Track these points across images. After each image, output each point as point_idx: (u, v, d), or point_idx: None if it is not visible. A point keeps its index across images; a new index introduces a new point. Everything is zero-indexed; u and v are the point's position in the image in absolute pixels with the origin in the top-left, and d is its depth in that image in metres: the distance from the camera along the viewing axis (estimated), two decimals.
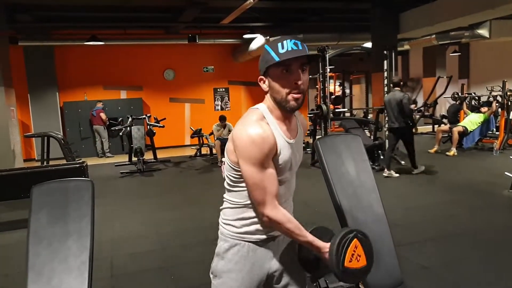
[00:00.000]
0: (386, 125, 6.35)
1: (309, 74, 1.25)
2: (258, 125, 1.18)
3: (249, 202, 1.26)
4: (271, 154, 1.19)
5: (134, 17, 8.43)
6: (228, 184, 1.30)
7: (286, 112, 1.23)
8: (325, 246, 1.24)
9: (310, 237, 1.24)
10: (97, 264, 2.12)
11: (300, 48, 1.16)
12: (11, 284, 2.88)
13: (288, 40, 1.16)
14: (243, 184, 1.24)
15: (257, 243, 1.29)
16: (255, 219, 1.27)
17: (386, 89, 7.03)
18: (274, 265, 1.32)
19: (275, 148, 1.20)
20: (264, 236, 1.29)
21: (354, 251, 1.25)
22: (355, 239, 1.26)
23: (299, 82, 1.17)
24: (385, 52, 6.96)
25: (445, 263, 2.85)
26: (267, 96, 1.24)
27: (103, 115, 9.44)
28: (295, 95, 1.18)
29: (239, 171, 1.22)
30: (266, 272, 1.32)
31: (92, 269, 1.37)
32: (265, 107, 1.24)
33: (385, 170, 5.76)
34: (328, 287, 2.28)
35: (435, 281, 2.61)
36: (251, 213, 1.27)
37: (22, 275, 1.39)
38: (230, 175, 1.27)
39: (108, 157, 9.51)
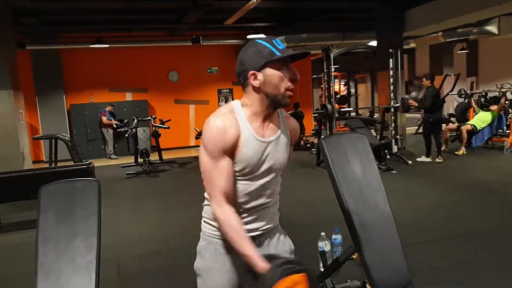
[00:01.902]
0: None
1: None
2: (222, 118, 1.17)
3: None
4: (225, 148, 1.16)
5: (138, 19, 8.49)
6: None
7: (271, 109, 1.20)
8: (263, 267, 1.09)
9: (249, 251, 1.12)
10: (104, 264, 2.13)
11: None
12: (21, 283, 2.91)
13: (277, 39, 1.19)
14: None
15: None
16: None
17: (392, 87, 6.98)
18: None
19: (235, 143, 1.16)
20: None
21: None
22: (304, 274, 1.06)
23: (296, 79, 1.18)
24: (390, 50, 6.91)
25: (454, 263, 2.82)
26: (247, 93, 1.21)
27: (103, 118, 9.50)
28: (291, 92, 1.18)
29: None
30: (247, 272, 1.26)
31: (99, 268, 1.38)
32: (238, 103, 1.23)
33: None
34: (334, 287, 2.27)
35: (443, 281, 2.58)
36: None
37: (31, 275, 1.40)
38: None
39: (112, 159, 9.57)
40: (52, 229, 1.40)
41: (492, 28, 8.67)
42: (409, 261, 2.16)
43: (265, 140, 1.21)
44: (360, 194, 2.10)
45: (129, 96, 10.78)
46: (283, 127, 1.28)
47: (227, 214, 1.16)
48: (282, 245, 1.35)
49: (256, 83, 1.17)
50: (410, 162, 6.45)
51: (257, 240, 1.28)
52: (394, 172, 5.92)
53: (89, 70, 10.27)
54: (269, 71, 1.16)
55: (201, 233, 1.33)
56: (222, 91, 11.59)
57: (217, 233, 1.27)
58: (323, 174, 2.35)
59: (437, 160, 6.45)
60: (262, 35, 9.12)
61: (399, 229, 2.20)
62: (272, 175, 1.26)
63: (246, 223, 1.25)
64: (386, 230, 2.13)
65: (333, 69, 6.71)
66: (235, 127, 1.17)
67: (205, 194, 1.30)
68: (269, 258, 1.12)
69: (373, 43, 8.28)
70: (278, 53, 1.14)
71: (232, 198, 1.21)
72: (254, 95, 1.19)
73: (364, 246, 2.02)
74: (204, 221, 1.32)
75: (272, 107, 1.20)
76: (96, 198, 1.49)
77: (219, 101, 11.60)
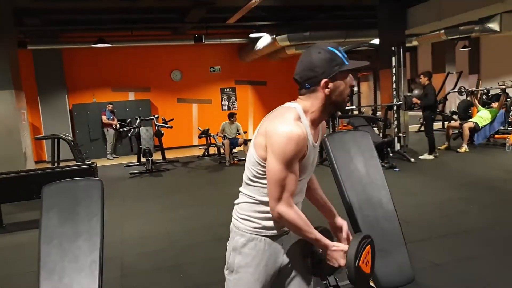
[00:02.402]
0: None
1: None
2: (297, 125, 1.20)
3: (267, 199, 1.26)
4: (300, 155, 1.22)
5: (141, 18, 8.48)
6: (249, 179, 1.30)
7: (329, 115, 1.34)
8: (333, 244, 1.29)
9: (318, 235, 1.27)
10: (107, 263, 2.14)
11: None
12: (25, 283, 2.92)
13: (339, 47, 1.26)
14: (258, 181, 1.27)
15: (273, 237, 1.31)
16: (270, 215, 1.28)
17: (394, 85, 6.95)
18: (286, 258, 1.35)
19: (306, 150, 1.24)
20: (279, 231, 1.32)
21: (366, 256, 1.31)
22: (369, 246, 1.33)
23: (354, 85, 1.31)
24: (393, 48, 6.88)
25: (457, 260, 2.80)
26: (311, 99, 1.24)
27: (103, 117, 9.51)
28: (348, 97, 1.30)
29: (265, 167, 1.23)
30: (279, 266, 1.34)
31: (102, 267, 1.38)
32: (300, 108, 1.25)
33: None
34: (338, 285, 2.27)
35: (447, 278, 2.57)
36: (267, 208, 1.27)
37: (34, 274, 1.40)
38: (254, 169, 1.27)
39: (108, 159, 9.58)
40: (55, 229, 1.40)
41: (494, 26, 8.60)
42: (412, 258, 2.15)
43: (316, 145, 1.32)
44: (363, 192, 2.10)
45: (131, 96, 10.79)
46: (320, 130, 1.37)
47: (297, 211, 1.26)
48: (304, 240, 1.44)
49: (327, 91, 1.23)
50: (412, 160, 6.43)
51: (289, 233, 1.35)
52: (397, 170, 5.91)
53: (92, 69, 10.29)
54: (339, 79, 1.23)
55: (235, 230, 1.33)
56: (225, 90, 11.59)
57: (259, 230, 1.30)
58: (326, 171, 2.34)
59: (431, 156, 6.61)
60: (267, 34, 9.12)
61: (402, 226, 2.19)
62: (310, 175, 1.39)
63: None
64: (389, 227, 2.12)
65: None
66: (306, 136, 1.23)
67: (244, 190, 1.32)
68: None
69: (376, 41, 8.25)
70: (347, 62, 1.22)
71: None
72: (319, 101, 1.24)
73: None
74: (243, 218, 1.32)
75: (331, 113, 1.34)
76: (99, 197, 1.49)
77: (222, 100, 11.60)
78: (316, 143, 1.31)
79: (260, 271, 1.30)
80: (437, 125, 10.82)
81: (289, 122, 1.19)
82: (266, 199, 1.26)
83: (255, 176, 1.27)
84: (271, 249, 1.31)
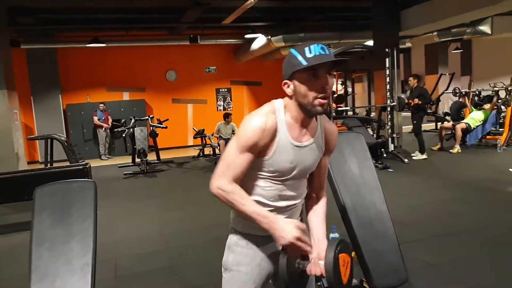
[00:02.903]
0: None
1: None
2: (265, 116, 1.19)
3: (252, 198, 1.26)
4: (255, 147, 1.19)
5: (136, 18, 8.45)
6: None
7: (307, 116, 1.22)
8: (298, 236, 1.15)
9: (258, 209, 1.19)
10: (101, 265, 2.12)
11: (327, 52, 1.16)
12: (16, 286, 2.89)
13: (316, 45, 1.16)
14: (244, 180, 1.25)
15: (265, 238, 1.30)
16: None
17: (388, 87, 7.00)
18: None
19: (267, 144, 1.20)
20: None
21: (347, 261, 1.22)
22: (345, 254, 1.23)
23: (327, 87, 1.17)
24: (386, 50, 6.93)
25: (450, 260, 2.83)
26: (288, 98, 1.23)
27: (94, 118, 9.45)
28: (322, 100, 1.18)
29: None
30: (276, 268, 1.32)
31: (95, 270, 1.37)
32: (281, 103, 1.24)
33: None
34: None
35: (440, 279, 2.59)
36: None
37: (26, 278, 1.39)
38: None
39: (102, 160, 9.53)
40: (47, 231, 1.39)
41: (485, 28, 8.72)
42: (405, 259, 2.17)
43: (300, 145, 1.24)
44: (357, 193, 2.11)
45: (126, 96, 10.74)
46: (319, 133, 1.30)
47: (236, 187, 1.20)
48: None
49: (288, 91, 1.21)
50: (406, 160, 6.48)
51: None
52: (390, 170, 5.94)
53: (86, 69, 10.22)
54: (298, 80, 1.18)
55: (230, 228, 1.35)
56: (220, 90, 11.57)
57: (249, 229, 1.30)
58: None
59: (424, 156, 6.68)
60: (262, 35, 9.13)
61: (396, 227, 2.20)
62: (298, 180, 1.30)
63: None
64: (383, 228, 2.13)
65: None
66: (273, 130, 1.20)
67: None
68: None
69: (370, 42, 8.30)
70: (304, 62, 1.15)
71: (266, 199, 1.26)
72: (291, 101, 1.22)
73: (361, 244, 2.03)
74: (235, 216, 1.34)
75: (306, 114, 1.22)
76: (93, 199, 1.48)
77: (217, 101, 11.59)
78: (303, 142, 1.25)
79: (253, 270, 1.29)
80: (430, 126, 10.93)
81: (259, 113, 1.21)
82: (254, 199, 1.27)
83: None
84: (264, 250, 1.30)
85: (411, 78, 6.93)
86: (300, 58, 1.15)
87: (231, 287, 1.32)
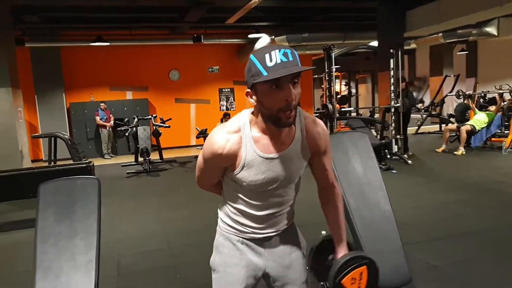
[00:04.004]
0: None
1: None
2: (224, 140, 1.15)
3: (232, 204, 1.28)
4: (218, 164, 1.21)
5: (140, 17, 8.47)
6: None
7: (277, 126, 1.11)
8: None
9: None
10: (104, 263, 2.12)
11: (291, 59, 1.03)
12: (20, 282, 2.90)
13: (277, 50, 1.03)
14: (225, 184, 1.28)
15: (252, 240, 1.29)
16: (241, 220, 1.28)
17: (392, 88, 6.98)
18: (271, 264, 1.30)
19: (230, 162, 1.17)
20: (258, 236, 1.28)
21: (357, 276, 1.19)
22: (365, 268, 1.22)
23: (291, 100, 1.04)
24: (391, 50, 6.90)
25: (454, 262, 2.81)
26: (255, 107, 1.14)
27: (97, 118, 9.48)
28: (287, 114, 1.06)
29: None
30: (262, 271, 1.30)
31: (99, 267, 1.37)
32: (247, 118, 1.16)
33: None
34: None
35: (443, 280, 2.57)
36: (236, 212, 1.28)
37: (31, 274, 1.39)
38: None
39: (105, 158, 9.56)
40: (52, 227, 1.39)
41: (492, 30, 8.67)
42: (409, 260, 2.16)
43: (273, 156, 1.16)
44: (361, 193, 2.10)
45: (129, 95, 10.76)
46: (298, 138, 1.19)
47: (208, 188, 1.37)
48: (293, 240, 1.35)
49: (251, 102, 1.12)
50: (410, 162, 6.45)
51: (273, 239, 1.30)
52: (394, 171, 5.92)
53: (90, 68, 10.25)
54: (259, 91, 1.07)
55: (217, 228, 1.35)
56: (223, 90, 11.58)
57: (236, 230, 1.29)
58: None
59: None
60: (265, 35, 9.12)
61: (400, 228, 2.19)
62: (282, 189, 1.23)
63: (259, 228, 1.27)
64: (386, 229, 2.12)
65: (334, 69, 6.70)
66: (234, 150, 1.15)
67: (223, 193, 1.33)
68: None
69: (374, 43, 8.27)
70: (264, 72, 1.03)
71: (249, 208, 1.25)
72: (257, 112, 1.14)
73: (364, 244, 2.02)
74: (221, 218, 1.34)
75: (274, 125, 1.11)
76: (96, 196, 1.48)
77: (220, 100, 11.59)
78: (272, 154, 1.16)
79: (240, 272, 1.27)
80: (434, 127, 10.89)
81: (222, 132, 1.16)
82: (229, 200, 1.28)
83: (222, 177, 1.30)
84: (251, 252, 1.28)
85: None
86: (260, 67, 1.03)
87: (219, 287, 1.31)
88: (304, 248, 1.38)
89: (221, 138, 1.15)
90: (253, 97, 1.11)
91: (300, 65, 1.05)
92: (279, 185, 1.21)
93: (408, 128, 8.03)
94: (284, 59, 1.03)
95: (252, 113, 1.17)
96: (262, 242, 1.29)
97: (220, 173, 1.25)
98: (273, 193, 1.23)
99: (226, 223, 1.31)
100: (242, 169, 1.17)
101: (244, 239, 1.29)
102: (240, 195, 1.24)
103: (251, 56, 1.08)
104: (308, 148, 1.22)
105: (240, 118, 1.18)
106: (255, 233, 1.28)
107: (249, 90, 1.11)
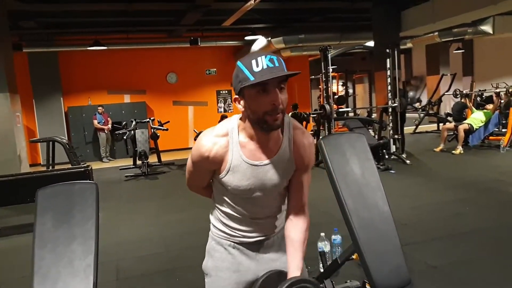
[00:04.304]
0: None
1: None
2: (211, 144, 1.16)
3: (221, 208, 1.29)
4: (205, 167, 1.22)
5: (136, 21, 8.47)
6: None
7: (263, 131, 1.13)
8: None
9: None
10: (103, 267, 2.12)
11: (277, 64, 1.06)
12: None
13: (263, 57, 1.07)
14: (214, 188, 1.29)
15: (243, 244, 1.29)
16: (230, 225, 1.28)
17: (389, 87, 7.00)
18: (263, 268, 1.29)
19: (217, 166, 1.19)
20: (248, 240, 1.29)
21: None
22: None
23: (277, 104, 1.07)
24: (387, 50, 6.92)
25: (453, 262, 2.82)
26: (243, 112, 1.17)
27: (94, 122, 9.47)
28: (274, 117, 1.08)
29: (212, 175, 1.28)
30: (255, 275, 1.30)
31: (97, 272, 1.37)
32: (235, 123, 1.18)
33: None
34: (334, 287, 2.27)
35: (443, 281, 2.58)
36: (225, 217, 1.29)
37: (28, 279, 1.39)
38: None
39: (104, 162, 9.55)
40: (49, 233, 1.39)
41: (487, 28, 8.72)
42: (408, 261, 2.16)
43: (259, 163, 1.18)
44: (359, 194, 2.10)
45: (127, 98, 10.76)
46: (286, 146, 1.20)
47: (198, 191, 1.41)
48: (283, 246, 1.33)
49: (239, 107, 1.14)
50: (408, 162, 6.46)
51: (264, 243, 1.31)
52: (392, 171, 5.93)
53: (87, 72, 10.25)
54: (247, 96, 1.10)
55: (210, 233, 1.36)
56: (221, 92, 11.59)
57: (226, 235, 1.30)
58: (322, 174, 2.36)
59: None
60: (262, 36, 9.14)
61: (398, 228, 2.19)
62: (267, 197, 1.23)
63: (248, 232, 1.28)
64: (385, 229, 2.12)
65: (331, 70, 6.71)
66: (221, 154, 1.16)
67: (213, 197, 1.34)
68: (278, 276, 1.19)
69: (370, 43, 8.30)
70: (251, 77, 1.06)
71: (235, 212, 1.26)
72: (245, 118, 1.16)
73: (363, 246, 2.02)
74: (213, 222, 1.35)
75: (261, 131, 1.14)
76: (94, 200, 1.48)
77: (218, 102, 11.60)
78: (259, 161, 1.17)
79: (231, 276, 1.28)
80: (432, 127, 10.92)
81: (210, 135, 1.18)
82: (219, 204, 1.29)
83: (212, 180, 1.31)
84: (243, 256, 1.28)
85: None
86: (247, 72, 1.07)
87: None
88: None
89: (209, 141, 1.17)
90: (241, 102, 1.13)
91: (286, 70, 1.08)
92: (264, 193, 1.21)
93: (406, 128, 8.06)
94: (270, 65, 1.06)
95: (241, 118, 1.19)
96: (253, 246, 1.30)
97: (209, 176, 1.26)
98: (258, 201, 1.23)
99: (217, 227, 1.32)
100: (227, 173, 1.18)
101: (235, 243, 1.29)
102: (227, 199, 1.26)
103: (238, 63, 1.11)
104: (293, 161, 1.22)
105: (229, 122, 1.20)
106: (245, 237, 1.28)
107: (237, 96, 1.14)
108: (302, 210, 1.27)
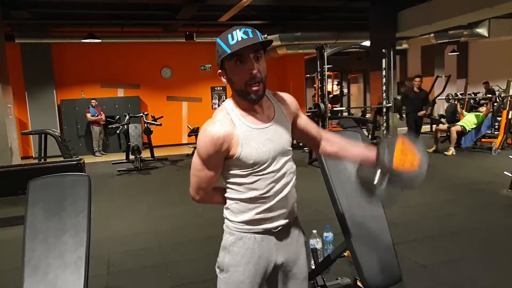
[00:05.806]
0: None
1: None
2: (216, 125, 1.19)
3: (242, 197, 1.26)
4: (217, 155, 1.20)
5: (132, 14, 8.40)
6: (224, 180, 1.33)
7: (252, 102, 1.20)
8: None
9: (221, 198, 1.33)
10: (94, 261, 2.11)
11: (251, 36, 1.12)
12: (7, 280, 2.86)
13: (238, 30, 1.13)
14: (230, 183, 1.28)
15: (262, 233, 1.29)
16: (254, 212, 1.27)
17: (384, 88, 7.04)
18: (280, 256, 1.32)
19: (229, 147, 1.19)
20: (268, 226, 1.28)
21: (403, 154, 1.22)
22: (400, 141, 1.24)
23: (254, 72, 1.14)
24: (383, 50, 6.96)
25: (443, 262, 2.85)
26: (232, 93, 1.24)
27: (88, 115, 9.39)
28: (254, 87, 1.15)
29: (223, 170, 1.27)
30: (272, 263, 1.31)
31: (88, 264, 1.36)
32: (230, 102, 1.25)
33: None
34: (325, 285, 2.28)
35: (433, 279, 2.60)
36: (248, 206, 1.27)
37: (19, 271, 1.37)
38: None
39: (96, 156, 9.49)
40: (41, 224, 1.37)
41: (483, 31, 8.79)
42: (399, 259, 2.18)
43: (265, 126, 1.24)
44: (353, 192, 2.11)
45: (121, 92, 10.67)
46: (277, 108, 1.30)
47: (208, 195, 1.33)
48: (300, 238, 1.40)
49: (223, 81, 1.21)
50: None
51: (280, 230, 1.31)
52: None
53: (81, 65, 10.14)
54: (227, 69, 1.18)
55: (225, 228, 1.33)
56: (216, 88, 11.55)
57: (249, 226, 1.28)
58: (315, 172, 2.37)
59: None
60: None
61: (390, 227, 2.21)
62: (283, 159, 1.27)
63: (270, 218, 1.27)
64: (377, 228, 2.14)
65: (326, 69, 6.73)
66: (230, 130, 1.18)
67: (227, 194, 1.31)
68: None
69: (366, 43, 8.33)
70: (227, 50, 1.12)
71: (260, 191, 1.24)
72: (233, 93, 1.23)
73: (355, 243, 2.03)
74: (229, 217, 1.32)
75: (248, 102, 1.19)
76: (86, 193, 1.46)
77: (212, 99, 11.56)
78: (267, 122, 1.24)
79: (250, 270, 1.28)
80: (425, 128, 11.00)
81: (210, 122, 1.21)
82: (241, 197, 1.26)
83: (224, 177, 1.30)
84: (261, 247, 1.28)
85: None
86: (224, 46, 1.13)
87: (228, 287, 1.30)
88: (303, 244, 1.43)
89: (214, 126, 1.19)
90: (224, 76, 1.20)
91: (261, 40, 1.13)
92: (282, 154, 1.26)
93: (399, 128, 8.12)
94: (245, 37, 1.12)
95: (232, 97, 1.25)
96: (273, 234, 1.30)
97: (221, 166, 1.25)
98: (279, 171, 1.25)
99: (236, 221, 1.29)
100: (242, 147, 1.19)
101: (255, 234, 1.28)
102: (249, 184, 1.24)
103: (217, 39, 1.17)
104: (287, 116, 1.31)
105: (223, 105, 1.26)
106: (267, 222, 1.28)
107: (220, 70, 1.21)
108: (324, 133, 1.43)
